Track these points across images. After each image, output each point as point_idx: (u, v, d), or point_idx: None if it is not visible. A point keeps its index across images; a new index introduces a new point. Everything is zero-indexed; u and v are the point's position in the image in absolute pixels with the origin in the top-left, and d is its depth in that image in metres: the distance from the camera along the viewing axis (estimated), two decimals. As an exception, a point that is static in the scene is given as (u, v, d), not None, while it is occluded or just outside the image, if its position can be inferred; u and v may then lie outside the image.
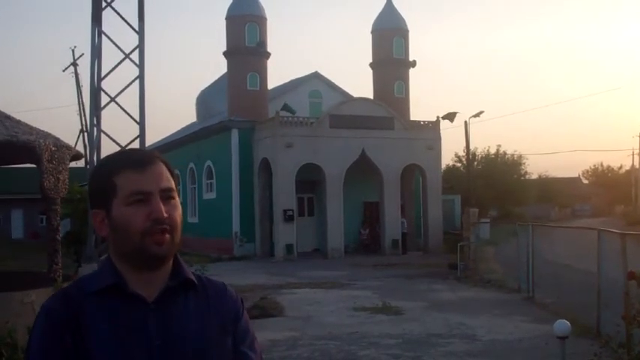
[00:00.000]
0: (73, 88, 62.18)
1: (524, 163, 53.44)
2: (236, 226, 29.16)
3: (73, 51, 44.51)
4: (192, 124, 40.54)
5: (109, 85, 16.15)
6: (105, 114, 16.18)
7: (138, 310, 1.63)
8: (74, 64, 44.31)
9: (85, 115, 41.93)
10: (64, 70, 45.51)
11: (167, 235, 1.63)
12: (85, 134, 40.45)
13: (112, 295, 1.63)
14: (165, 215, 1.62)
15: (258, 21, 30.03)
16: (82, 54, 43.34)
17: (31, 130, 7.83)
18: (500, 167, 49.52)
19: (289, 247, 27.22)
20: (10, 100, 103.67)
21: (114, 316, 1.61)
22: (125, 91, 15.86)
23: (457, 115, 30.73)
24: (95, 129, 15.90)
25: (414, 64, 32.80)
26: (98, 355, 1.58)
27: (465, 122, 31.44)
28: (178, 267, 1.71)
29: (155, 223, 1.61)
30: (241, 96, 29.41)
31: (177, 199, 1.68)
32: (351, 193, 28.92)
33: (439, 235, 30.01)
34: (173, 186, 1.68)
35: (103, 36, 15.71)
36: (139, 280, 1.65)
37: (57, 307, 1.62)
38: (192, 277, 1.73)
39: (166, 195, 1.65)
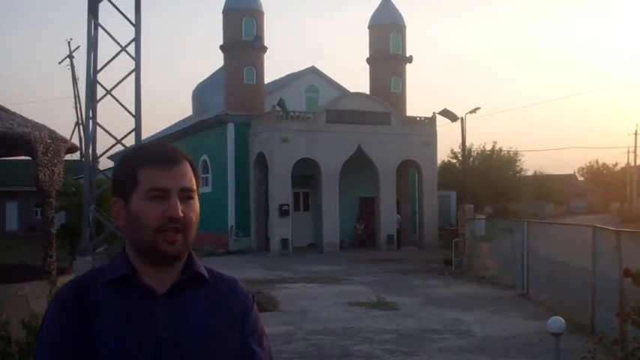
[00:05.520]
0: (69, 81, 62.12)
1: (519, 160, 53.54)
2: (231, 220, 29.15)
3: (69, 43, 44.54)
4: (189, 118, 40.47)
5: (105, 78, 16.11)
6: (101, 107, 16.15)
7: (147, 302, 1.65)
8: (70, 56, 44.19)
9: (80, 108, 41.79)
10: (60, 63, 45.52)
11: (179, 235, 1.64)
12: (81, 127, 40.34)
13: (122, 286, 1.65)
14: (181, 214, 1.63)
15: (255, 15, 29.95)
16: (79, 46, 43.27)
17: (26, 122, 7.78)
18: (495, 164, 49.52)
19: (284, 242, 27.22)
20: (5, 92, 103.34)
21: (123, 306, 1.63)
22: (121, 83, 15.83)
23: (455, 115, 30.70)
24: (91, 122, 15.87)
25: (410, 59, 32.79)
26: (101, 345, 1.60)
27: (462, 118, 31.44)
28: (190, 261, 1.73)
29: (169, 221, 1.62)
30: (238, 90, 29.35)
31: (196, 199, 1.70)
32: (347, 188, 28.93)
33: (434, 230, 30.04)
34: (194, 186, 1.69)
35: (99, 28, 15.65)
36: (151, 273, 1.67)
37: (68, 294, 1.65)
38: (204, 272, 1.74)
39: (185, 195, 1.67)
